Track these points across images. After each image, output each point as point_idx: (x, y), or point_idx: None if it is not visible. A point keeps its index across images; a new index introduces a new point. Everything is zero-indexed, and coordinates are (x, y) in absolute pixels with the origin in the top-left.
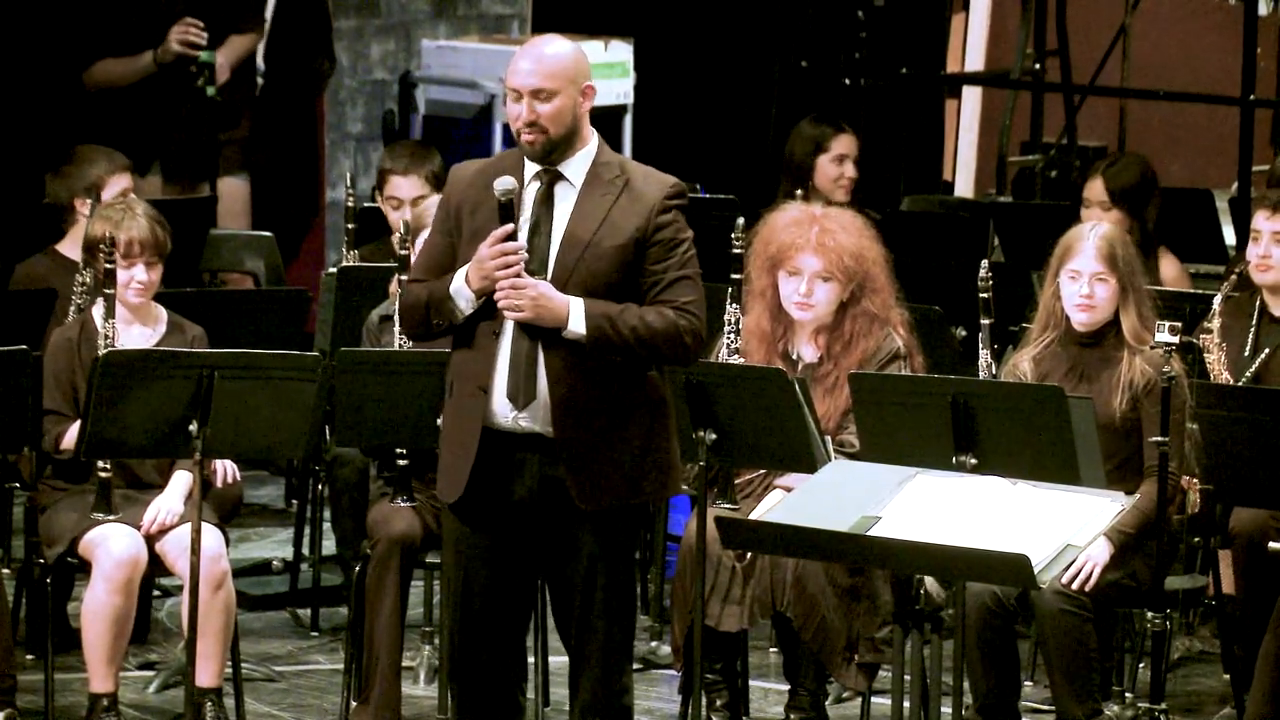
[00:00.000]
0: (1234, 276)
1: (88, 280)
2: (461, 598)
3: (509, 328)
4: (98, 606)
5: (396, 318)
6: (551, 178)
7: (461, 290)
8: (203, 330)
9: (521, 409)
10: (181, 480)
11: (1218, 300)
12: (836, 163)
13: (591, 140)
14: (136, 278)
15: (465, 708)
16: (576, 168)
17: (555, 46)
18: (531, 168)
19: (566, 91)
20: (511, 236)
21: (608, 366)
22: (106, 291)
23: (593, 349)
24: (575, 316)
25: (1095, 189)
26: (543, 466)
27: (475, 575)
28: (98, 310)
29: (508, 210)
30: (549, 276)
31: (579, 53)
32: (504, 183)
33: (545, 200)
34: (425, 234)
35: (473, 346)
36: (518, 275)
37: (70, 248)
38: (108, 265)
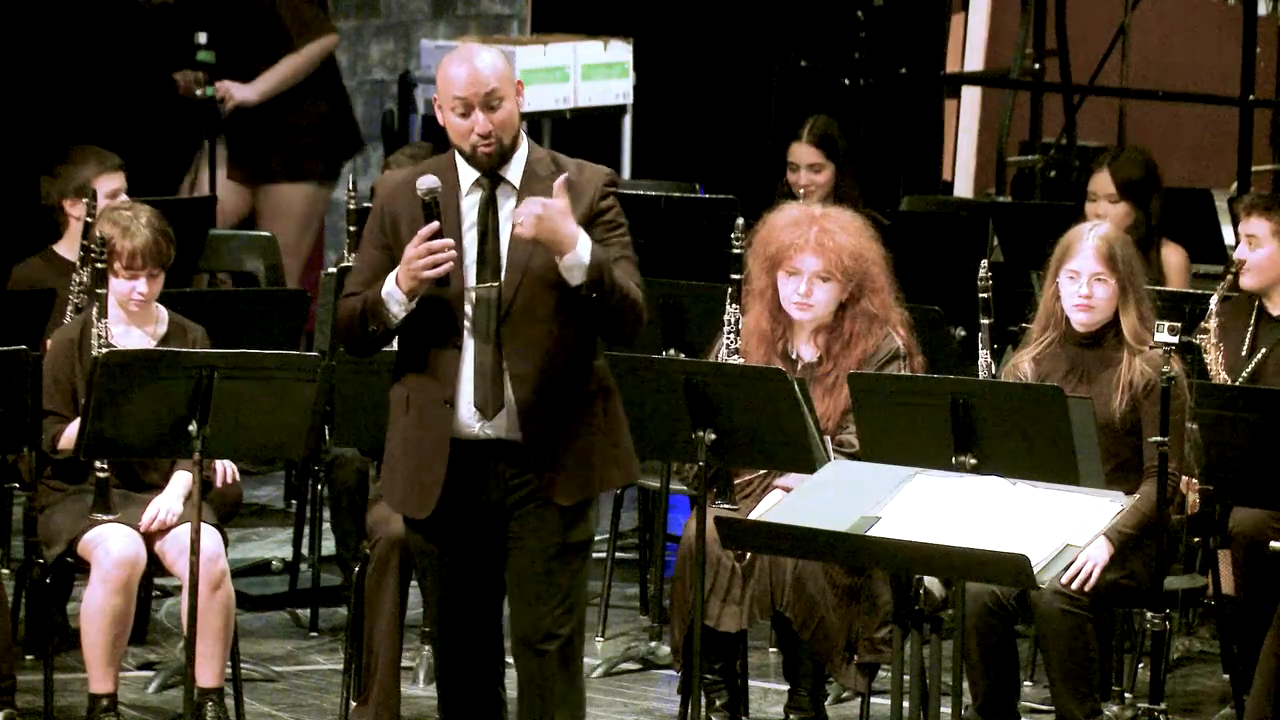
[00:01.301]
0: (1230, 277)
1: (85, 280)
2: (438, 607)
3: (470, 340)
4: (96, 607)
5: (336, 333)
6: (493, 183)
7: (393, 293)
8: (204, 331)
9: (491, 418)
10: (181, 480)
11: (1214, 300)
12: (792, 170)
13: (523, 140)
14: (138, 289)
15: (449, 707)
16: (514, 169)
17: (486, 53)
18: (468, 174)
19: (509, 95)
20: (438, 235)
21: (564, 364)
22: (99, 291)
23: (588, 280)
24: (582, 244)
25: (1102, 182)
26: (513, 470)
27: (451, 584)
28: (96, 311)
29: (431, 210)
30: (502, 280)
31: (506, 54)
32: (427, 181)
33: (489, 206)
34: None
35: (430, 362)
36: (444, 275)
37: (66, 249)
38: (99, 265)
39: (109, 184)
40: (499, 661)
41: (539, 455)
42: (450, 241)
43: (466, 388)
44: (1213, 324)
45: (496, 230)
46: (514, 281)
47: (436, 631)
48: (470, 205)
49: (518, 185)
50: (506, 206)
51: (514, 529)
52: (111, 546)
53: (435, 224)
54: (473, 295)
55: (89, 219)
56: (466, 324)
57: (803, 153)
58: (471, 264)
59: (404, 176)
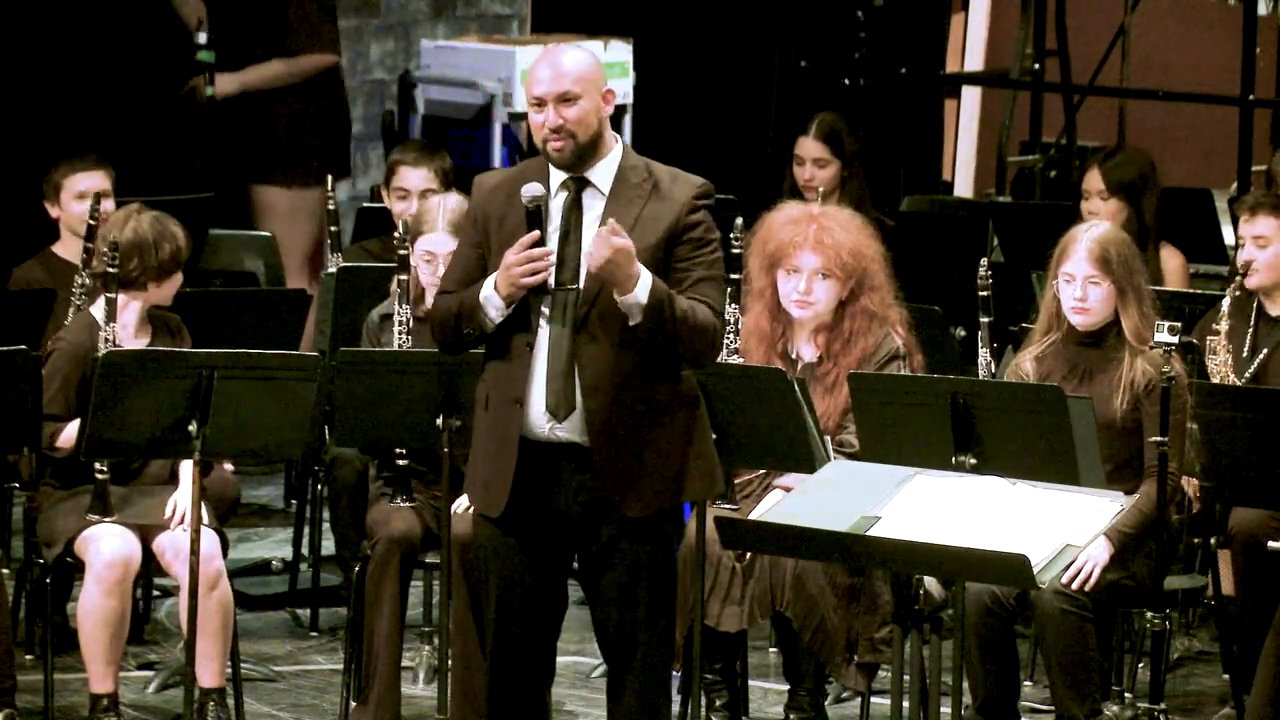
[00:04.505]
0: (1239, 279)
1: (87, 281)
2: (498, 605)
3: (543, 339)
4: (91, 607)
5: (431, 330)
6: (579, 185)
7: (491, 298)
8: (179, 319)
9: (562, 421)
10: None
11: (1226, 301)
12: (798, 164)
13: (616, 145)
14: (177, 286)
15: (497, 707)
16: (603, 173)
17: (574, 53)
18: (557, 176)
19: (589, 95)
20: (539, 243)
21: (642, 372)
22: (108, 296)
23: (645, 321)
24: (643, 283)
25: (1093, 179)
26: (582, 475)
27: (514, 585)
28: (98, 311)
29: (535, 216)
30: (581, 285)
31: (597, 59)
32: (531, 189)
33: (574, 208)
34: (425, 235)
35: (507, 358)
36: (544, 281)
37: (64, 250)
38: (110, 269)
39: (82, 183)
40: (549, 668)
41: (608, 463)
42: (550, 250)
43: (538, 388)
44: (1224, 326)
45: (580, 233)
46: (593, 287)
47: (491, 630)
48: (558, 206)
49: (606, 191)
50: (593, 210)
51: (593, 548)
52: (103, 547)
53: (536, 233)
54: (552, 296)
55: (91, 221)
56: (543, 324)
57: (808, 147)
58: (553, 264)
59: (500, 178)
